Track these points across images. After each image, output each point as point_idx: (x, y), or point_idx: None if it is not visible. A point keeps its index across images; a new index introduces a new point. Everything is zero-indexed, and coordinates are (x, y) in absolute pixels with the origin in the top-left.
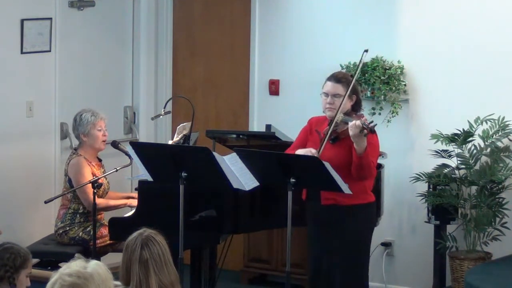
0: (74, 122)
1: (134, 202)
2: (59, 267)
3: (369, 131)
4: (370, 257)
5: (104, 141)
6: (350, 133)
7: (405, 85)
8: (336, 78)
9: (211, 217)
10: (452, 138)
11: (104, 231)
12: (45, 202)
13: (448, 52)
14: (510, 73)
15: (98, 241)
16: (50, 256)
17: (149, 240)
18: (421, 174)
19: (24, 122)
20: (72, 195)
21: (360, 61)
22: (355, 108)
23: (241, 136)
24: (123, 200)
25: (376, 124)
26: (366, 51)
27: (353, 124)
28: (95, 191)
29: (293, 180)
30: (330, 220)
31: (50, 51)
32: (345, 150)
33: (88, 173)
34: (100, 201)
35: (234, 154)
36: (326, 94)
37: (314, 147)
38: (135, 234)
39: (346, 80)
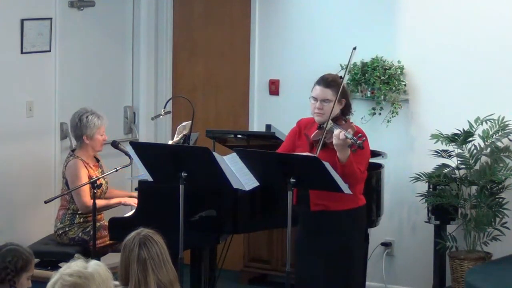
0: (79, 122)
1: (129, 200)
2: (59, 267)
3: (358, 147)
4: (368, 261)
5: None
6: (334, 142)
7: (405, 85)
8: (325, 82)
9: (211, 217)
10: (452, 138)
11: (104, 231)
12: (45, 202)
13: (448, 52)
14: (510, 73)
15: (98, 241)
16: (50, 256)
17: (147, 239)
18: (421, 174)
19: (24, 122)
20: (70, 196)
21: (349, 60)
22: (345, 112)
23: (240, 136)
24: (117, 198)
25: (365, 139)
26: (355, 48)
27: (337, 135)
28: (95, 191)
29: (293, 180)
30: (319, 226)
31: (50, 51)
32: (334, 157)
33: (84, 175)
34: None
35: (234, 154)
36: (315, 99)
37: (303, 152)
38: (132, 233)
39: (335, 84)
